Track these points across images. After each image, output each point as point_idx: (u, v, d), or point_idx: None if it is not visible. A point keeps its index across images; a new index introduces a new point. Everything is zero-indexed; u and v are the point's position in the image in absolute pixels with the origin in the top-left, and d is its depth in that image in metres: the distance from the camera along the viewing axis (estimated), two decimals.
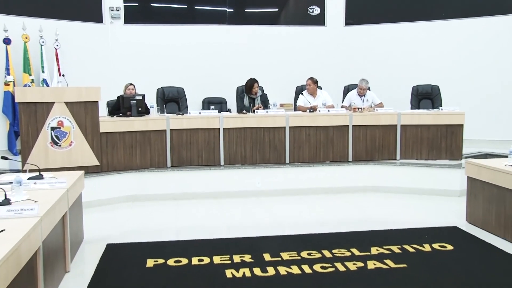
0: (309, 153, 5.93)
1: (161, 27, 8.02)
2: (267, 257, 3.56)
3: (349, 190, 5.84)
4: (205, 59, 8.13)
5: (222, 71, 8.15)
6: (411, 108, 7.11)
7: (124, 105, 5.60)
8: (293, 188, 5.76)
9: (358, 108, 6.21)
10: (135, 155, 5.53)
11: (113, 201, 5.37)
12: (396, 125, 6.06)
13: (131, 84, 6.33)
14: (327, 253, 3.61)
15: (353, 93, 6.86)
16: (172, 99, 7.01)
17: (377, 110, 6.23)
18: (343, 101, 7.02)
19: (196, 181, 5.58)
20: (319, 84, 6.82)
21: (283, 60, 8.38)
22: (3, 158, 3.66)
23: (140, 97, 5.66)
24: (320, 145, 5.94)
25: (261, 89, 6.76)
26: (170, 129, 5.64)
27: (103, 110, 5.81)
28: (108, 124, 5.37)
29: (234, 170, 5.68)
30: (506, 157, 4.66)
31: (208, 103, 7.26)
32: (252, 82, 6.50)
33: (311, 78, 6.63)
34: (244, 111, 6.07)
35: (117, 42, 7.83)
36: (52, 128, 5.00)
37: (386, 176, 5.87)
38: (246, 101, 6.55)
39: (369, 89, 6.98)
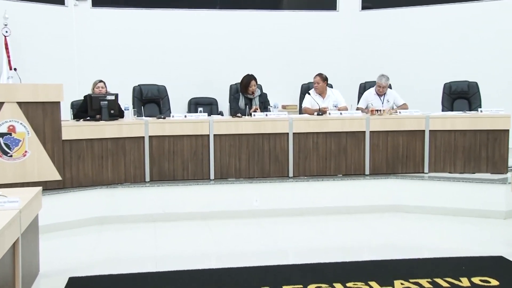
0: (318, 165, 5.95)
1: (137, 12, 8.02)
2: None
3: (366, 210, 5.85)
4: (192, 51, 8.14)
5: (212, 66, 8.15)
6: (443, 110, 7.15)
7: (93, 107, 5.57)
8: (298, 207, 5.77)
9: (377, 111, 6.18)
10: (106, 168, 5.52)
11: (78, 224, 5.34)
12: (423, 131, 6.05)
13: (101, 81, 6.32)
14: (339, 287, 3.59)
15: (370, 93, 6.88)
16: (151, 100, 7.00)
17: (400, 112, 6.21)
18: (358, 102, 7.02)
19: (181, 199, 5.60)
20: (329, 82, 6.86)
21: (286, 53, 8.41)
22: None
23: (112, 97, 5.63)
24: (331, 155, 5.95)
25: (260, 87, 6.77)
26: (149, 136, 5.64)
27: (66, 113, 5.78)
28: (73, 129, 5.36)
29: (226, 186, 5.68)
30: None
31: (195, 105, 7.19)
32: (248, 79, 6.52)
33: (320, 75, 6.65)
34: (239, 114, 6.08)
35: (84, 29, 7.82)
36: (1, 135, 4.95)
37: (412, 193, 5.86)
38: (241, 102, 6.58)
39: (390, 87, 7.00)
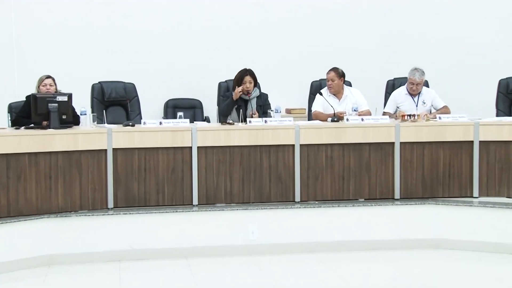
0: (332, 187, 5.93)
1: None
2: None
3: (396, 245, 5.81)
4: (169, 39, 8.06)
5: (196, 58, 8.11)
6: (498, 115, 7.11)
7: (38, 111, 5.53)
8: (307, 241, 5.76)
9: (410, 115, 6.13)
10: (56, 191, 5.47)
11: (18, 265, 5.24)
12: (471, 142, 6.04)
13: (48, 77, 6.15)
14: None
15: (400, 93, 6.88)
16: (116, 101, 6.94)
17: (440, 118, 6.18)
18: (385, 105, 7.04)
19: (154, 231, 5.59)
20: (347, 79, 6.81)
21: (292, 42, 8.33)
22: None
23: (65, 98, 5.61)
24: (350, 174, 5.94)
25: (258, 86, 6.71)
26: (113, 149, 5.62)
27: (2, 118, 5.86)
28: (10, 140, 5.34)
29: (214, 214, 5.68)
30: None
31: (173, 108, 7.17)
32: (243, 75, 6.45)
33: (335, 70, 6.62)
34: (231, 121, 6.05)
35: (25, 10, 7.73)
36: None
37: (457, 224, 5.85)
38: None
39: (427, 85, 7.00)
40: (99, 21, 7.90)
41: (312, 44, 8.31)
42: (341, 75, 6.59)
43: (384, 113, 6.62)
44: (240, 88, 6.35)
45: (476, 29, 8.37)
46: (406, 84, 6.82)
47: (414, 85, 6.67)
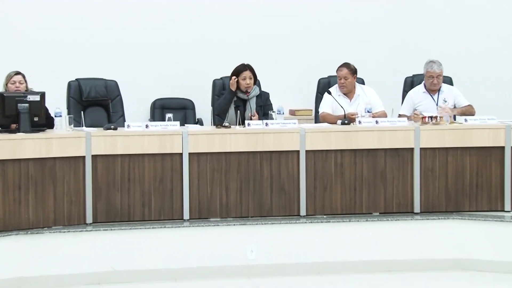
0: (343, 199, 5.91)
1: None
2: None
3: (417, 266, 5.75)
4: (156, 31, 8.04)
5: (187, 52, 8.07)
6: None
7: (6, 112, 5.52)
8: (313, 261, 5.71)
9: (431, 117, 6.05)
10: (26, 204, 5.43)
11: None
12: (503, 148, 6.00)
13: (18, 74, 6.15)
14: None
15: (417, 91, 6.86)
16: (96, 101, 6.91)
17: (466, 120, 6.13)
18: (402, 106, 7.00)
19: (139, 249, 5.55)
20: (359, 75, 6.77)
21: (295, 33, 8.27)
22: None
23: (37, 97, 5.58)
24: (362, 184, 5.91)
25: (258, 84, 6.68)
26: (93, 156, 5.59)
27: None
28: None
29: (207, 230, 5.65)
30: None
31: (161, 109, 7.17)
32: (241, 69, 6.45)
33: (348, 66, 6.57)
34: (227, 123, 6.01)
35: None
36: None
37: (487, 241, 5.76)
38: (232, 103, 6.54)
39: (450, 82, 6.98)
40: (76, 10, 7.84)
41: (319, 36, 8.24)
42: (354, 72, 6.55)
43: (401, 115, 6.56)
44: (236, 79, 6.31)
45: (504, 21, 8.36)
46: (422, 82, 6.81)
47: (434, 77, 6.60)
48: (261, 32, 8.14)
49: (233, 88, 6.40)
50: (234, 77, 6.36)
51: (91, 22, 7.87)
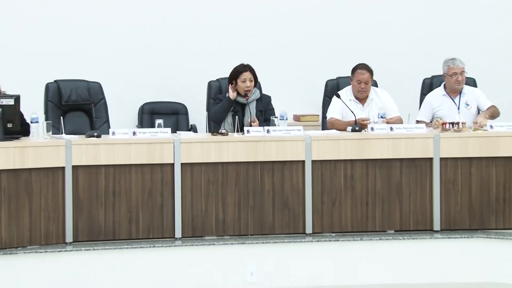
0: (354, 215, 5.87)
1: None
2: None
3: None
4: (145, 28, 8.05)
5: (179, 52, 8.07)
6: None
7: None
8: (319, 285, 5.69)
9: (452, 124, 6.01)
10: None
11: None
12: None
13: None
14: None
15: (436, 94, 6.82)
16: (77, 106, 6.91)
17: (492, 127, 6.06)
18: (420, 110, 6.97)
19: (126, 271, 5.52)
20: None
21: (300, 30, 8.28)
22: None
23: (11, 101, 5.54)
24: (376, 198, 5.87)
25: (258, 87, 6.67)
26: (74, 166, 5.55)
27: None
28: None
29: (202, 249, 5.64)
30: None
31: (150, 114, 7.22)
32: (241, 70, 6.40)
33: (369, 68, 6.52)
34: (224, 130, 6.00)
35: None
36: None
37: None
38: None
39: (474, 84, 6.96)
40: (56, 4, 7.77)
41: (327, 33, 8.25)
42: (371, 72, 6.49)
43: (418, 122, 6.54)
44: (233, 87, 6.26)
45: None
46: (442, 83, 6.76)
47: (458, 74, 6.54)
48: (261, 28, 8.15)
49: (232, 96, 6.36)
50: (232, 85, 6.26)
51: (72, 17, 7.86)
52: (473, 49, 8.01)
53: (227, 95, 6.47)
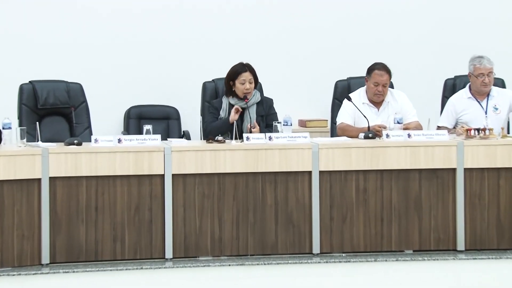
0: (367, 233, 5.84)
1: None
2: None
3: None
4: (132, 22, 8.02)
5: (170, 49, 8.07)
6: None
7: None
8: None
9: (478, 130, 5.96)
10: None
11: None
12: None
13: None
14: None
15: (460, 97, 6.78)
16: (55, 110, 6.91)
17: None
18: (442, 115, 6.95)
19: None
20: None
21: (305, 25, 8.25)
22: None
23: None
24: (392, 214, 5.83)
25: (259, 89, 6.66)
26: (51, 178, 5.51)
27: None
28: None
29: (196, 272, 5.56)
30: None
31: (138, 119, 7.35)
32: (240, 71, 6.39)
33: (387, 68, 6.46)
34: (221, 137, 5.91)
35: None
36: None
37: None
38: (225, 113, 6.51)
39: (503, 85, 6.96)
40: None
41: (336, 29, 8.24)
42: (390, 73, 6.45)
43: (440, 127, 6.51)
44: (237, 108, 6.29)
45: None
46: (467, 85, 6.70)
47: (485, 75, 6.46)
48: (262, 26, 8.17)
49: (233, 120, 6.31)
50: (237, 109, 6.23)
51: (49, 10, 7.86)
52: (502, 46, 8.04)
53: (221, 112, 6.44)
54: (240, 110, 6.35)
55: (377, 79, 6.41)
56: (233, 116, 6.34)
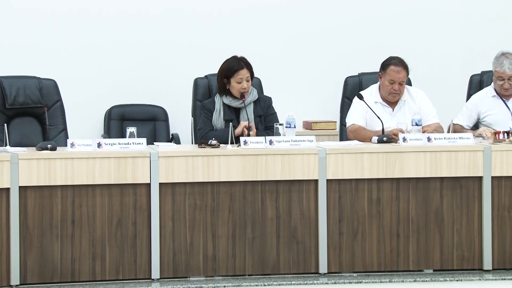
0: (381, 250, 5.82)
1: None
2: None
3: None
4: (113, 13, 8.11)
5: (157, 42, 8.15)
6: None
7: None
8: None
9: (507, 133, 5.96)
10: None
11: None
12: None
13: None
14: None
15: (485, 96, 6.79)
16: (25, 110, 6.89)
17: None
18: (460, 112, 6.96)
19: None
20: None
21: (311, 15, 8.36)
22: None
23: None
24: (409, 229, 5.82)
25: (258, 85, 6.68)
26: (21, 187, 5.49)
27: None
28: None
29: None
30: None
31: (120, 120, 7.37)
32: (235, 67, 6.36)
33: (404, 64, 6.43)
34: (213, 140, 5.87)
35: None
36: None
37: None
38: (219, 114, 6.45)
39: None
40: None
41: (345, 19, 8.35)
42: (407, 69, 6.40)
43: (455, 126, 6.45)
44: (245, 124, 6.21)
45: None
46: (491, 84, 6.73)
47: (505, 80, 6.49)
48: (260, 16, 8.28)
49: (239, 134, 6.24)
50: (243, 125, 6.13)
51: (22, 2, 7.89)
52: None
53: (215, 113, 6.43)
54: (248, 126, 6.29)
55: (393, 76, 6.37)
56: (238, 131, 6.28)
